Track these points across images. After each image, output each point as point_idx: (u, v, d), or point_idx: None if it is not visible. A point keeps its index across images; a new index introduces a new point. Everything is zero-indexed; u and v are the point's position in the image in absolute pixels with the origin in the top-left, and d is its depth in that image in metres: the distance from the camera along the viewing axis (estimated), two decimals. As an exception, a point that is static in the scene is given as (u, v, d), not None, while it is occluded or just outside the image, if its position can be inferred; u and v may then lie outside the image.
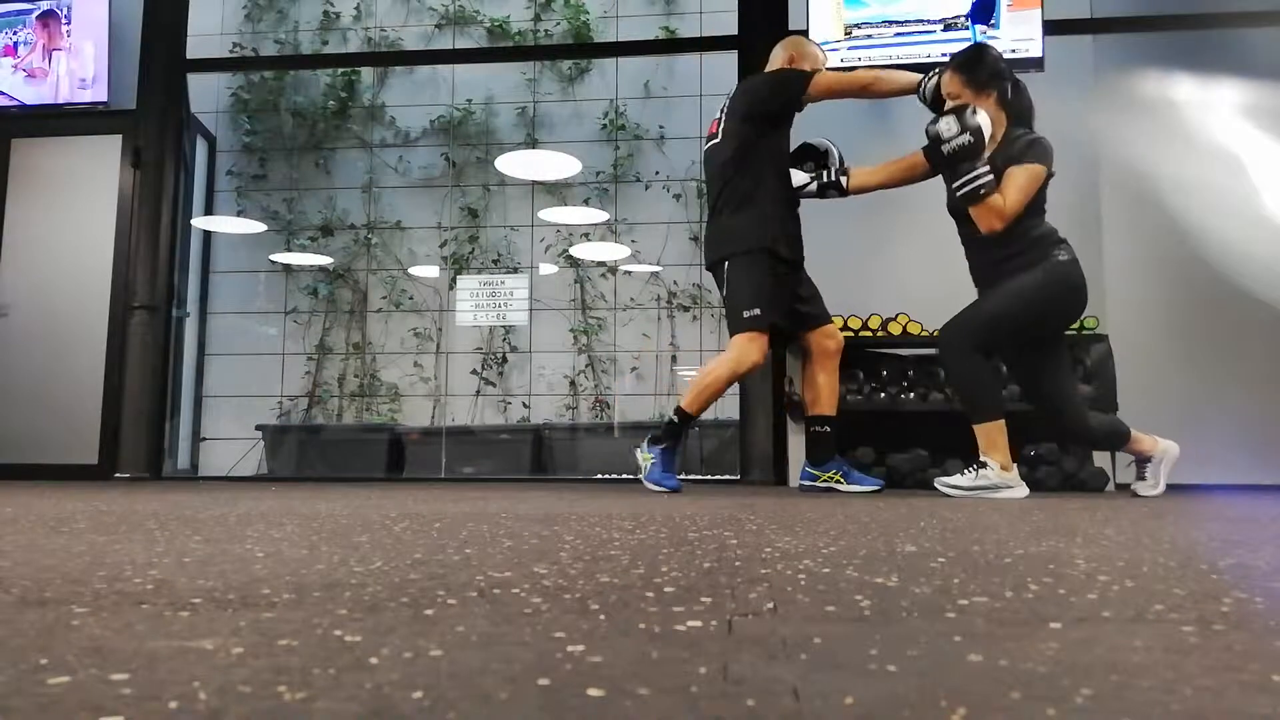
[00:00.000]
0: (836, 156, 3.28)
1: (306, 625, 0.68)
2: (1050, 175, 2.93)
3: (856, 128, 4.16)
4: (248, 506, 2.14)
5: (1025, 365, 3.10)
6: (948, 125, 2.84)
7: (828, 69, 3.38)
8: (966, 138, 2.80)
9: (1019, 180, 2.87)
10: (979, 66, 3.00)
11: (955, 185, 2.89)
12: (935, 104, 3.05)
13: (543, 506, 2.20)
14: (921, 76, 3.10)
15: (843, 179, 3.24)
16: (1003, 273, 2.95)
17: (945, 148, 2.84)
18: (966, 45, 3.26)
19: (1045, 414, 3.14)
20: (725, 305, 3.20)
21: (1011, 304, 2.93)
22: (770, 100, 3.17)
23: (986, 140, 2.84)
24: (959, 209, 2.99)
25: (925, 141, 3.01)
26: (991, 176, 2.84)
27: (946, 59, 4.23)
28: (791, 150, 3.30)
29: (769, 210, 3.13)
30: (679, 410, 3.14)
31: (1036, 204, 2.95)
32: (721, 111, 3.29)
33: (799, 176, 3.26)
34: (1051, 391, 3.07)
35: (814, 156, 3.31)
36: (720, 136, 3.22)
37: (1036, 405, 3.17)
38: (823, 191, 3.26)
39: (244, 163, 5.95)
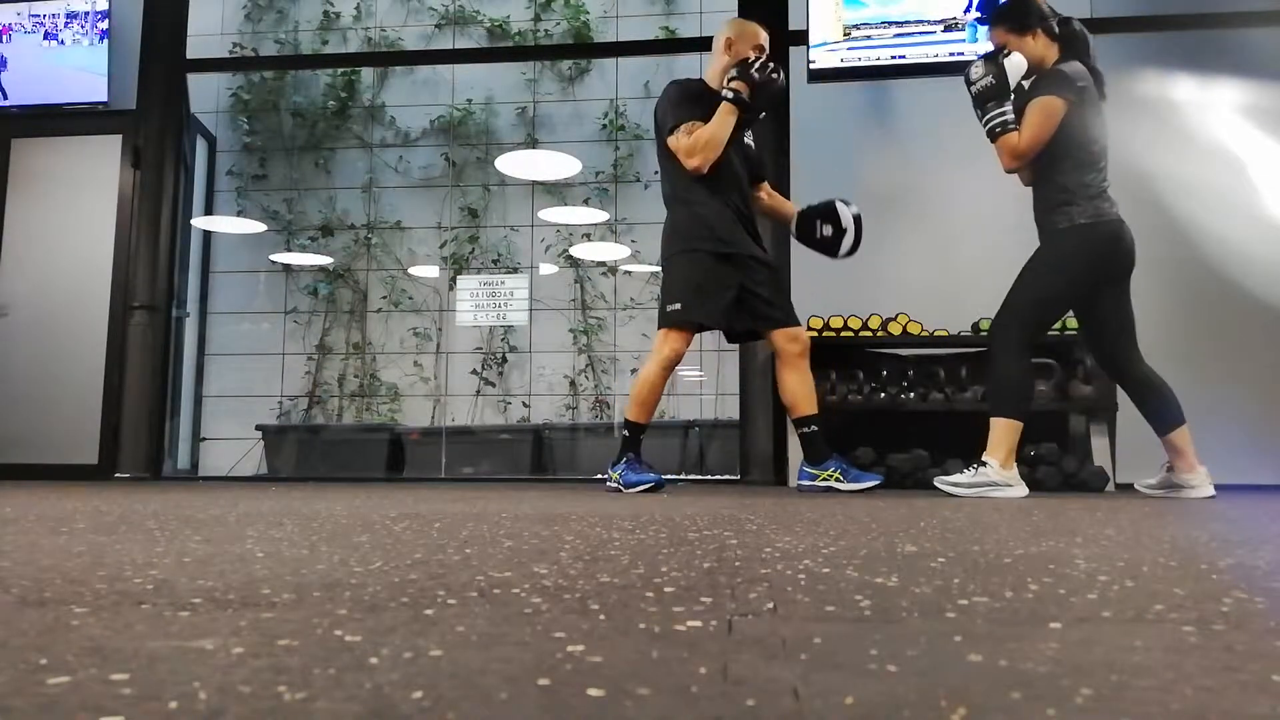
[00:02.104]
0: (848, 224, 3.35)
1: (306, 625, 0.68)
2: (1071, 102, 2.88)
3: (860, 126, 4.17)
4: (248, 506, 2.14)
5: (1087, 326, 3.11)
6: (975, 68, 2.94)
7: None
8: (989, 80, 2.89)
9: (1031, 116, 2.90)
10: (1018, 10, 3.04)
11: (983, 124, 2.94)
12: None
13: (543, 506, 2.20)
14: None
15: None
16: (1042, 224, 2.99)
17: (972, 89, 2.93)
18: None
19: (1108, 373, 3.18)
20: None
21: (1051, 282, 2.96)
22: (660, 123, 3.24)
23: (1012, 80, 2.89)
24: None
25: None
26: (1010, 116, 2.89)
27: (946, 59, 4.23)
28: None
29: (698, 212, 3.18)
30: (627, 423, 3.22)
31: (1077, 155, 2.92)
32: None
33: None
34: (1113, 352, 3.08)
35: (822, 215, 3.39)
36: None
37: (1100, 364, 3.21)
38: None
39: (244, 163, 5.96)
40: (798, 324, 3.26)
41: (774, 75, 3.15)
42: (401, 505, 2.22)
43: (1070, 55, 2.98)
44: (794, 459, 4.00)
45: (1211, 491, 2.95)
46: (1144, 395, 3.06)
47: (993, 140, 2.94)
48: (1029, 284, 2.97)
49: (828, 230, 3.34)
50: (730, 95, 3.11)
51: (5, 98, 5.07)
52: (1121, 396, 3.74)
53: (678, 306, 3.15)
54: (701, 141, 3.08)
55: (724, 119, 3.10)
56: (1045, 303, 2.99)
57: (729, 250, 3.17)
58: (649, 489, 3.06)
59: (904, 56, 4.32)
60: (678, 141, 3.12)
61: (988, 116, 2.92)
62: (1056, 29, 3.02)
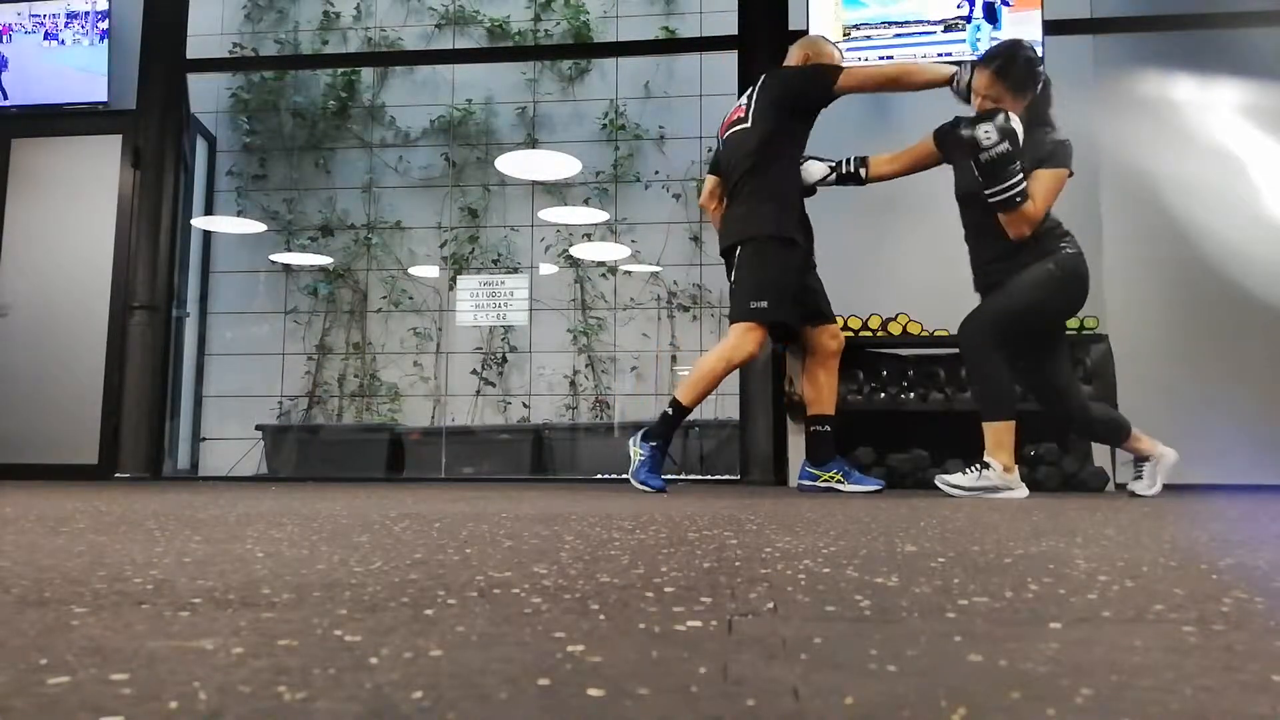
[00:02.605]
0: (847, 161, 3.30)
1: (306, 625, 0.68)
2: (1070, 174, 2.95)
3: (859, 125, 4.16)
4: (248, 506, 2.14)
5: (1026, 355, 3.11)
6: (986, 133, 2.79)
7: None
8: (1005, 146, 2.78)
9: (1046, 184, 2.88)
10: (1016, 68, 2.94)
11: (991, 193, 2.85)
12: (970, 98, 3.02)
13: (543, 506, 2.20)
14: (954, 69, 3.05)
15: (861, 170, 3.24)
16: (1011, 266, 2.96)
17: (984, 155, 2.80)
18: (1000, 42, 3.21)
19: (1044, 403, 3.16)
20: (733, 291, 3.14)
21: (1029, 297, 2.95)
22: (803, 89, 3.13)
23: (1021, 146, 2.83)
24: (976, 199, 2.96)
25: (928, 131, 3.05)
26: (1026, 184, 2.84)
27: (945, 59, 4.23)
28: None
29: (791, 200, 3.12)
30: (674, 402, 3.07)
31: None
32: (748, 98, 3.25)
33: (818, 167, 3.26)
34: (1053, 381, 3.08)
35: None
36: (750, 122, 3.17)
37: (1035, 395, 3.18)
38: (842, 181, 3.27)
39: (244, 163, 5.96)
40: (834, 320, 3.27)
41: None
42: (401, 505, 2.22)
43: (1038, 121, 2.95)
44: (794, 459, 4.01)
45: (1175, 453, 3.07)
46: (1091, 425, 3.15)
47: (1006, 209, 2.85)
48: (1006, 297, 2.98)
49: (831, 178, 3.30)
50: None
51: (5, 98, 5.07)
52: (1121, 397, 3.75)
53: (764, 305, 3.00)
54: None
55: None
56: (1018, 315, 2.97)
57: (807, 248, 3.16)
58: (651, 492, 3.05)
59: (902, 57, 4.31)
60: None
61: (1006, 185, 2.82)
62: (1038, 92, 2.97)
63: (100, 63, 4.97)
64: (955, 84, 3.03)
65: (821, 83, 3.09)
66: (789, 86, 3.17)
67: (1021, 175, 2.83)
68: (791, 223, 3.10)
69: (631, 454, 3.09)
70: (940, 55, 4.26)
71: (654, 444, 3.06)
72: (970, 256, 3.12)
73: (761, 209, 3.08)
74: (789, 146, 3.15)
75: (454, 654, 0.59)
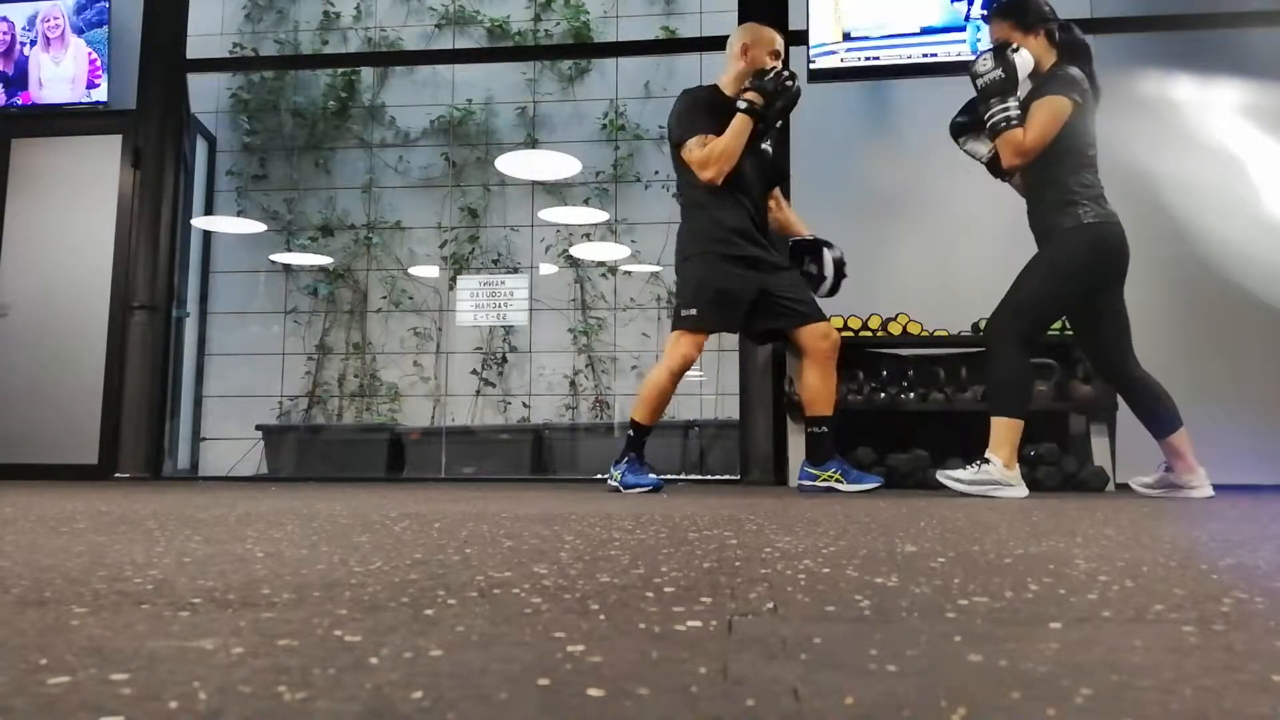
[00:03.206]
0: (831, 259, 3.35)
1: (306, 625, 0.68)
2: (1077, 104, 2.88)
3: (857, 129, 4.17)
4: (248, 506, 2.14)
5: (1083, 328, 3.10)
6: (983, 61, 2.90)
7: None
8: (997, 73, 2.85)
9: (1037, 115, 2.87)
10: (1022, 6, 3.00)
11: (985, 119, 2.91)
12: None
13: (543, 506, 2.20)
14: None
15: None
16: (1042, 227, 2.97)
17: (977, 81, 2.89)
18: None
19: (1104, 377, 3.18)
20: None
21: (1050, 283, 2.93)
22: (671, 131, 3.28)
23: (1020, 77, 2.85)
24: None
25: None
26: (1017, 111, 2.86)
27: (947, 59, 4.23)
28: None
29: (715, 214, 3.17)
30: (633, 422, 3.20)
31: (1078, 156, 2.92)
32: None
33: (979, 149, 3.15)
34: (1110, 355, 3.06)
35: (809, 251, 3.38)
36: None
37: (1096, 368, 3.21)
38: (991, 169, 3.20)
39: (244, 163, 5.95)
40: (825, 320, 3.24)
41: (789, 84, 3.14)
42: (401, 505, 2.22)
43: (1068, 61, 2.97)
44: (794, 459, 4.01)
45: (1211, 492, 2.95)
46: (1141, 399, 3.05)
47: (994, 135, 2.91)
48: (1030, 281, 2.95)
49: (812, 269, 3.36)
50: (744, 106, 3.11)
51: (5, 98, 5.07)
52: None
53: (693, 312, 3.14)
54: (715, 153, 3.09)
55: (738, 129, 3.10)
56: (1045, 301, 2.96)
57: (745, 253, 3.16)
58: (647, 492, 3.06)
59: (894, 58, 4.32)
60: (690, 154, 3.14)
61: (992, 111, 2.88)
62: (1057, 34, 3.00)
63: (100, 63, 4.97)
64: (971, 73, 3.01)
65: (671, 139, 3.27)
66: (670, 125, 3.30)
67: (1013, 104, 2.86)
68: (715, 236, 3.15)
69: (612, 480, 3.17)
70: (940, 56, 4.26)
71: (628, 458, 3.17)
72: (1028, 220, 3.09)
73: (687, 230, 3.28)
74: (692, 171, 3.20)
75: (454, 654, 0.59)
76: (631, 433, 3.20)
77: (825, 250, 3.35)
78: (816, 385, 3.21)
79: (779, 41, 3.30)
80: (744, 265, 3.16)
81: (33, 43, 5.05)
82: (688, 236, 3.26)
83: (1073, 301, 3.02)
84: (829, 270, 3.32)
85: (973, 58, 2.95)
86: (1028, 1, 3.02)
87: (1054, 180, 2.93)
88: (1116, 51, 4.45)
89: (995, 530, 1.56)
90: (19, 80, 5.05)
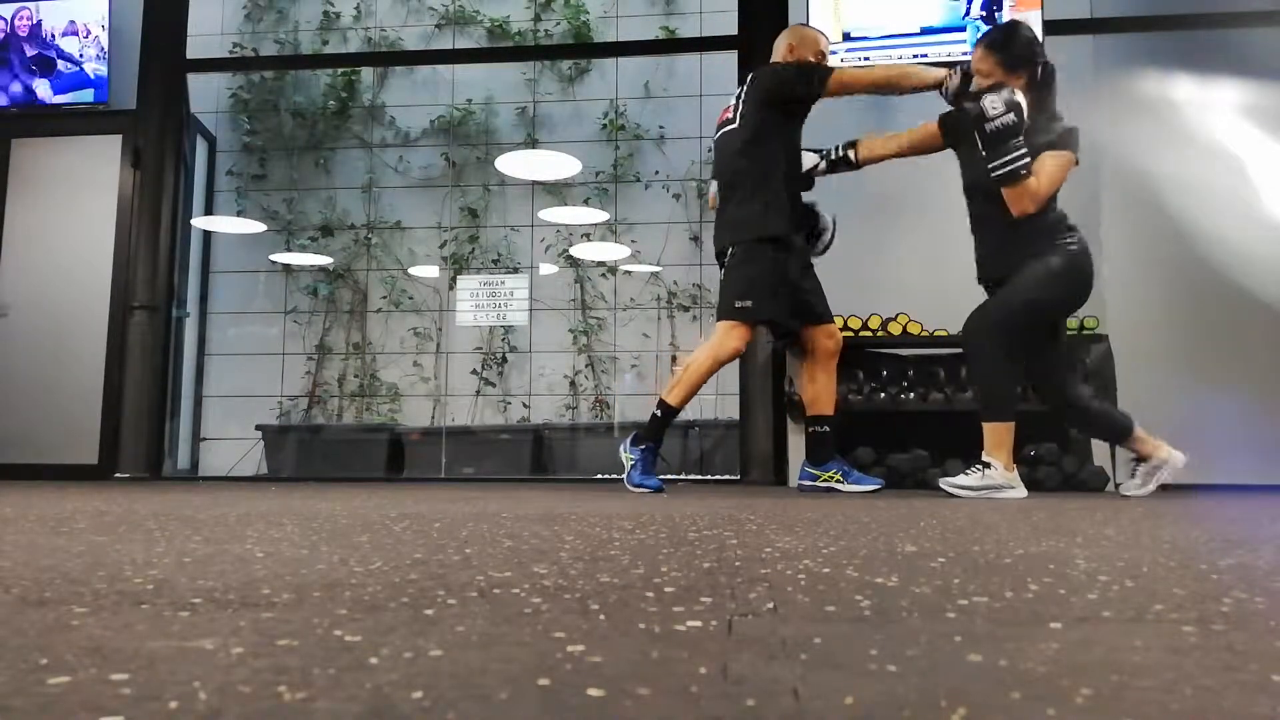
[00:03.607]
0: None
1: (306, 625, 0.68)
2: (1076, 163, 2.94)
3: (859, 120, 4.15)
4: (248, 506, 2.14)
5: (1027, 350, 3.10)
6: (992, 103, 2.81)
7: (831, 62, 3.38)
8: (1010, 117, 2.79)
9: (1051, 166, 2.88)
10: (1012, 46, 2.97)
11: (994, 164, 2.85)
12: (958, 101, 3.02)
13: (543, 506, 2.20)
14: (945, 73, 3.06)
15: (850, 153, 3.24)
16: (1018, 258, 2.95)
17: (989, 126, 2.81)
18: (1000, 23, 3.24)
19: (1043, 397, 3.17)
20: (720, 290, 3.20)
21: (1034, 293, 2.94)
22: (790, 88, 3.14)
23: (1025, 122, 2.84)
24: (981, 187, 2.96)
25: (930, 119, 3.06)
26: (1029, 158, 2.84)
27: (946, 59, 4.23)
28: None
29: (779, 198, 3.11)
30: (662, 403, 3.11)
31: (1055, 197, 2.97)
32: (737, 98, 3.26)
33: (808, 157, 3.26)
34: (1053, 376, 3.08)
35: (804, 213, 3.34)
36: (736, 121, 3.19)
37: (1035, 388, 3.19)
38: (833, 168, 3.26)
39: (244, 163, 5.95)
40: (832, 320, 3.26)
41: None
42: (401, 505, 2.22)
43: (1043, 108, 2.95)
44: (794, 459, 4.01)
45: (1182, 455, 3.02)
46: (1089, 418, 3.12)
47: (1008, 182, 2.85)
48: (1012, 293, 2.96)
49: (814, 224, 3.30)
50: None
51: (6, 98, 5.07)
52: (1121, 397, 3.75)
53: (749, 304, 3.06)
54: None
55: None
56: (1024, 312, 2.96)
57: (794, 243, 3.15)
58: (649, 493, 3.06)
59: (892, 57, 4.32)
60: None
61: (1010, 157, 2.82)
62: (1038, 76, 2.96)
63: (100, 63, 4.97)
64: (944, 89, 3.05)
65: (808, 82, 3.12)
66: (775, 84, 3.16)
67: (1025, 149, 2.83)
68: (781, 221, 3.10)
69: (624, 460, 3.12)
70: (940, 56, 4.25)
71: (644, 447, 3.10)
72: (975, 248, 3.11)
73: (748, 211, 3.11)
74: (777, 144, 3.14)
75: (454, 654, 0.59)
76: (658, 413, 3.11)
77: (816, 209, 3.32)
78: (822, 384, 3.22)
79: (823, 42, 3.33)
80: (790, 254, 3.13)
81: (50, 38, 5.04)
82: (744, 220, 3.11)
83: (1039, 320, 3.01)
84: (828, 222, 3.29)
85: (975, 99, 2.85)
86: (1016, 41, 3.00)
87: (1039, 216, 2.92)
88: (1116, 51, 4.45)
89: (995, 530, 1.56)
90: (45, 65, 5.00)
